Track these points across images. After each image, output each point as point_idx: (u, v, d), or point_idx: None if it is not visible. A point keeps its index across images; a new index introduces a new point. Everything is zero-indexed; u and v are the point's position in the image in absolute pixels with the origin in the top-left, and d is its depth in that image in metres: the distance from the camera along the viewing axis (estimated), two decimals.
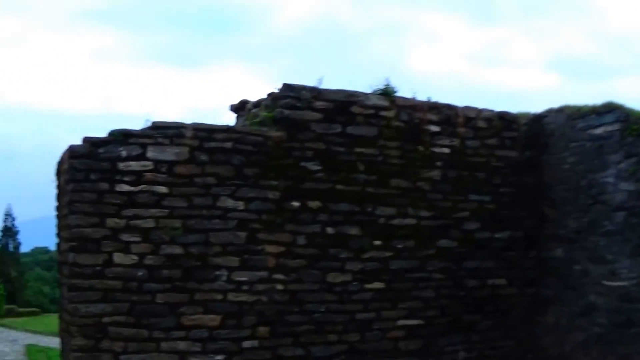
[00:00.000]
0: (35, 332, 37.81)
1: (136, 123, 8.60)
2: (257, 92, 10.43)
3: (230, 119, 10.63)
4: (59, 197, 9.33)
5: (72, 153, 8.29)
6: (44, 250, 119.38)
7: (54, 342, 28.20)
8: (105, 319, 8.19)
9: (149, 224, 8.37)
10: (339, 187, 9.48)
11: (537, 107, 11.61)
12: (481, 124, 10.64)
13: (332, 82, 9.62)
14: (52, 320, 38.94)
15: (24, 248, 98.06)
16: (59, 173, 9.31)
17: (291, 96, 9.36)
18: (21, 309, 51.85)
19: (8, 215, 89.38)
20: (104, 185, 8.26)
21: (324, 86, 9.64)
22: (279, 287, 9.02)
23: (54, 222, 9.73)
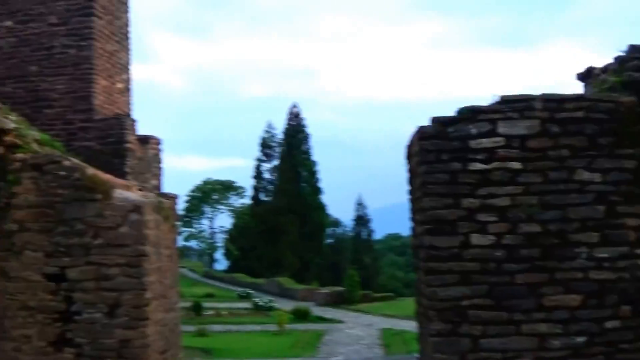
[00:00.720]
0: (389, 316, 39.18)
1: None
2: (595, 62, 9.83)
3: (574, 91, 10.11)
4: (411, 180, 9.33)
5: (421, 134, 8.24)
6: (396, 237, 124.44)
7: (409, 326, 29.03)
8: (464, 302, 8.05)
9: (505, 202, 8.10)
10: None
11: None
12: None
13: None
14: (406, 304, 40.26)
15: (377, 235, 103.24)
16: (409, 156, 9.30)
17: (638, 57, 8.70)
18: (376, 294, 53.96)
19: (360, 204, 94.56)
20: (457, 165, 8.12)
21: None
22: None
23: (404, 208, 9.75)
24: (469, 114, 8.18)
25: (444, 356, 7.98)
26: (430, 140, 8.19)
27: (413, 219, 9.40)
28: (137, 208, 9.72)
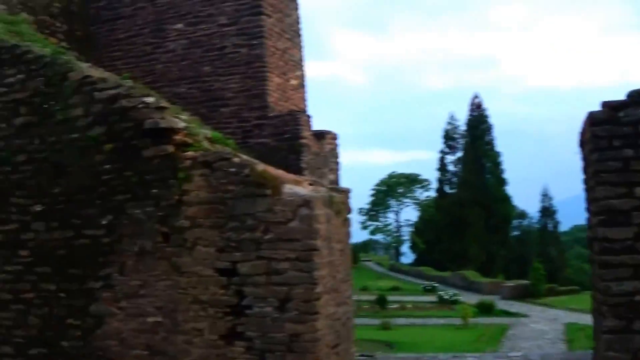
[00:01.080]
0: (575, 310, 38.05)
1: None
2: None
3: None
4: (585, 169, 8.91)
5: (592, 120, 7.84)
6: (582, 228, 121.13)
7: None
8: (637, 297, 7.60)
9: None
10: None
11: None
12: None
13: None
14: None
15: (563, 227, 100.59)
16: (582, 144, 8.89)
17: None
18: (561, 288, 52.66)
19: (545, 195, 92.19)
20: (629, 152, 7.66)
21: None
22: None
23: None
24: (639, 98, 7.72)
25: (616, 354, 7.58)
26: (601, 126, 7.79)
27: (588, 210, 9.00)
28: (307, 202, 9.72)
